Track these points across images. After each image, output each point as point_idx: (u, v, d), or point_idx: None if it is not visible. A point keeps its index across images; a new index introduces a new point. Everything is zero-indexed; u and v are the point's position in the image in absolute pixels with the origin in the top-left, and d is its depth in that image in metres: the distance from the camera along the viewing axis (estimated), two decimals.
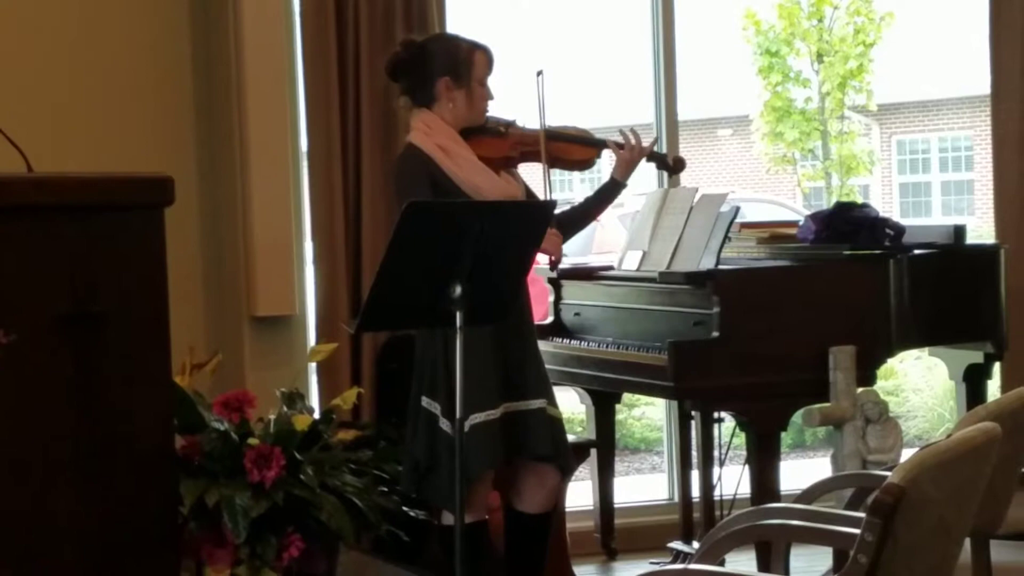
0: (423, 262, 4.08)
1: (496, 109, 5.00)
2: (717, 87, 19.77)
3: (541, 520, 4.97)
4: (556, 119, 5.06)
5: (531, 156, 4.97)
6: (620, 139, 5.12)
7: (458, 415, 4.16)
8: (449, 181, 4.75)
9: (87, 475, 3.96)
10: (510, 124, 4.99)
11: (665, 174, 5.25)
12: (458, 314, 4.09)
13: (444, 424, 4.68)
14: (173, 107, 5.88)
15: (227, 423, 4.83)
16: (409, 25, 5.89)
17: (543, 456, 4.86)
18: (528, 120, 5.01)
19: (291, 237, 5.83)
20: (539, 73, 4.94)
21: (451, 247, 4.06)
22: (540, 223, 4.41)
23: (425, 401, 4.78)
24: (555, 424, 4.87)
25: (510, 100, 5.12)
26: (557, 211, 4.97)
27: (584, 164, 5.16)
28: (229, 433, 4.77)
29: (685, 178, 6.04)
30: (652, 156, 5.21)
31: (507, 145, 4.94)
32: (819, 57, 16.83)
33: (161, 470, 4.15)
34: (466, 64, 4.86)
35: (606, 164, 5.40)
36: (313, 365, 5.79)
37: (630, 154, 5.10)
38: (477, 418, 4.66)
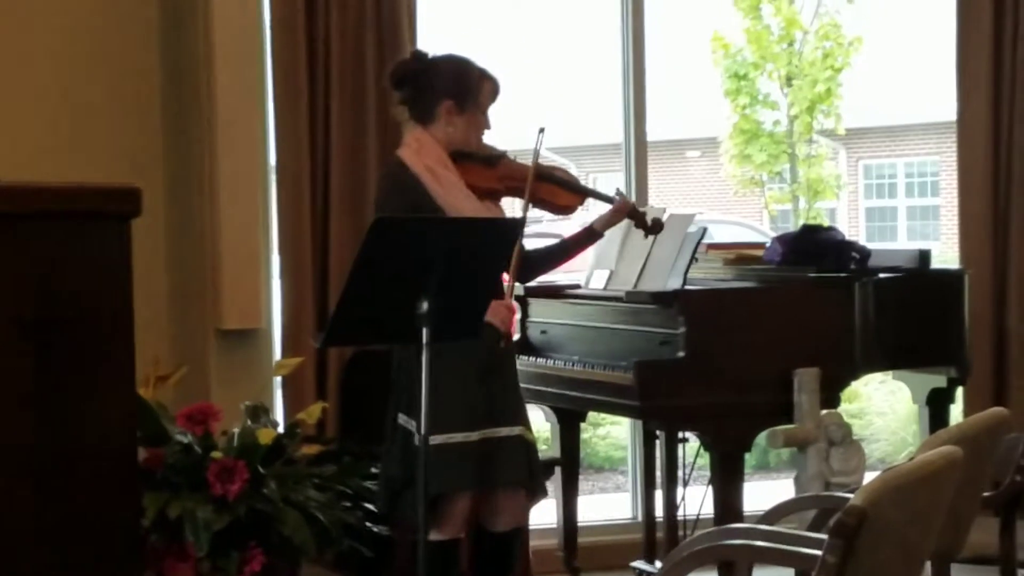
0: (390, 277, 4.07)
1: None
2: (686, 108, 19.83)
3: (508, 538, 4.97)
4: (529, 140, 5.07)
5: (516, 192, 4.95)
6: (609, 193, 5.15)
7: (422, 431, 4.15)
8: (432, 202, 4.72)
9: (48, 485, 3.94)
10: (502, 156, 4.97)
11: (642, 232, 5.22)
12: (424, 330, 4.08)
13: (418, 440, 4.68)
14: (142, 118, 5.87)
15: (191, 436, 4.82)
16: (380, 41, 5.90)
17: (514, 482, 4.86)
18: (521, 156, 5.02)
19: (258, 250, 5.82)
20: (541, 130, 4.91)
21: (418, 263, 4.06)
22: (507, 240, 4.42)
23: (402, 418, 4.77)
24: (531, 449, 4.88)
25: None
26: (529, 247, 5.01)
27: (567, 210, 5.16)
28: (192, 446, 4.76)
29: (653, 199, 6.06)
30: (632, 214, 5.20)
31: (495, 177, 4.92)
32: (788, 80, 16.90)
33: (123, 482, 4.12)
34: (474, 91, 4.84)
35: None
36: (278, 379, 5.78)
37: (621, 213, 5.10)
38: (455, 437, 4.66)
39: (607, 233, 5.27)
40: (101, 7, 5.81)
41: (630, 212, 5.13)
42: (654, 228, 5.18)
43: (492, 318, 4.63)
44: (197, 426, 4.85)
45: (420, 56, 4.93)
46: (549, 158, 5.17)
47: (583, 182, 5.26)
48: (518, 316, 5.94)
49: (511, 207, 5.12)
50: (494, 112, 4.94)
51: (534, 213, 4.96)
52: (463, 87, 4.83)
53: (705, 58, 17.05)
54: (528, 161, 4.91)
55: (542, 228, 8.72)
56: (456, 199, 4.74)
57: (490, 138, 5.00)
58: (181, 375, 5.24)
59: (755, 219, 19.27)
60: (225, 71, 5.77)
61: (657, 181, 5.39)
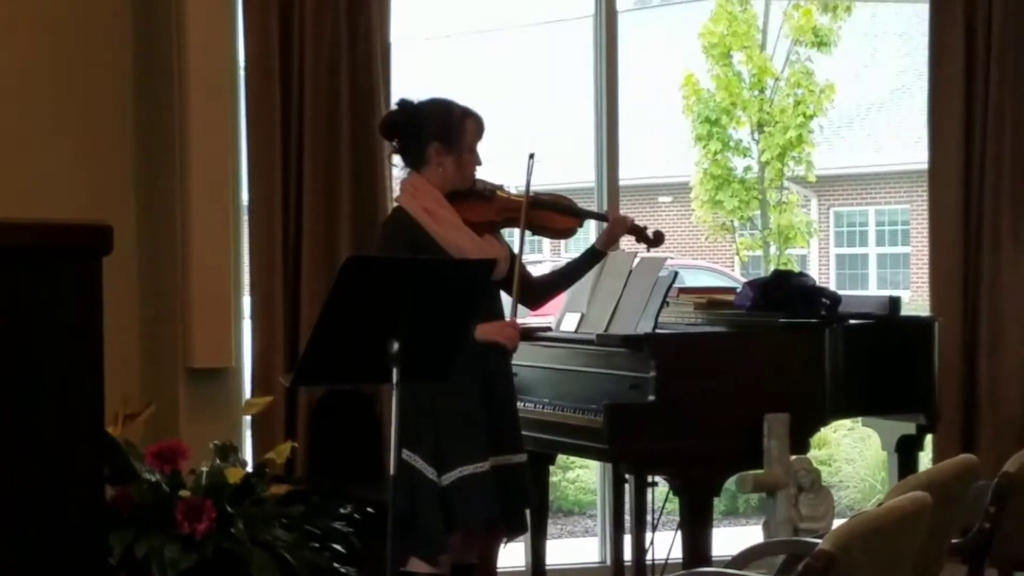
0: (361, 317, 4.07)
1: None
2: (659, 153, 19.91)
3: (469, 571, 4.98)
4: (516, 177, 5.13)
5: (513, 223, 5.07)
6: (603, 212, 5.24)
7: (392, 469, 4.15)
8: (433, 242, 4.82)
9: (13, 523, 3.91)
10: (497, 189, 5.07)
11: (644, 246, 5.33)
12: (395, 370, 4.08)
13: (430, 473, 4.71)
14: (114, 155, 5.87)
15: (159, 474, 4.80)
16: (354, 80, 5.91)
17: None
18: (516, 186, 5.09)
19: (229, 289, 5.82)
20: (531, 156, 5.00)
21: (390, 302, 4.06)
22: (478, 280, 4.42)
23: (406, 454, 4.79)
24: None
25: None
26: (537, 274, 5.11)
27: (565, 233, 5.28)
28: (160, 484, 4.74)
29: (624, 243, 6.08)
30: (633, 229, 5.28)
31: (492, 210, 5.01)
32: (759, 127, 16.97)
33: (90, 520, 4.10)
34: (457, 131, 4.93)
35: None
36: (248, 418, 5.76)
37: (620, 228, 5.18)
38: (466, 470, 4.71)
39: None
40: (74, 41, 5.81)
41: (630, 228, 5.20)
42: (656, 241, 5.26)
43: (499, 338, 4.82)
44: (165, 464, 4.83)
45: (404, 104, 5.02)
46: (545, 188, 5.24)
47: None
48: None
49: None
50: (481, 148, 5.00)
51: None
52: (447, 128, 4.91)
53: (678, 104, 17.12)
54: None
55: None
56: (456, 237, 4.83)
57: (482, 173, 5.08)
58: (150, 413, 5.22)
59: (726, 265, 19.33)
60: (198, 110, 5.78)
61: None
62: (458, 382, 4.49)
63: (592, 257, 5.25)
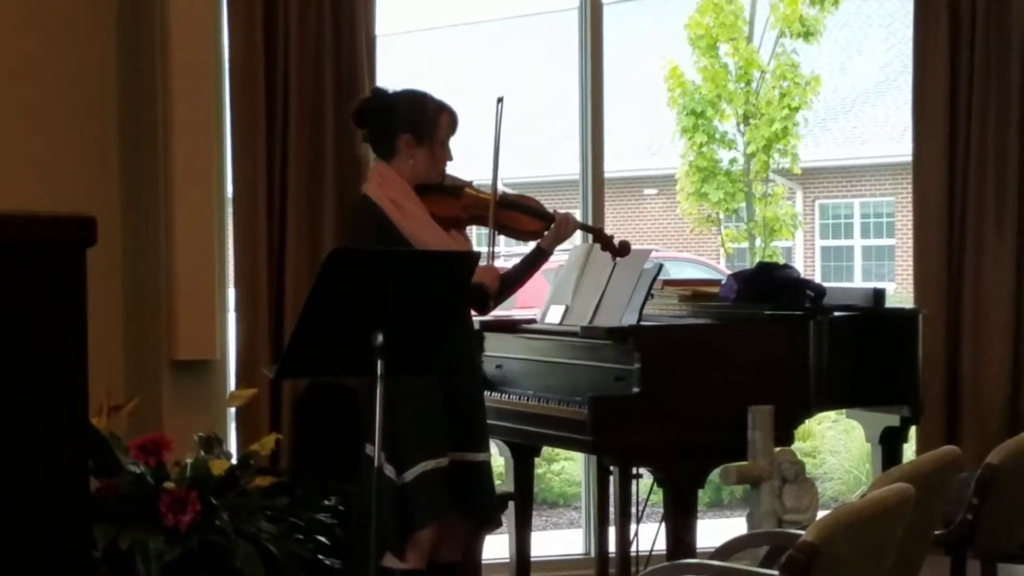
0: (345, 309, 4.08)
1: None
2: (644, 146, 19.93)
3: (451, 570, 4.98)
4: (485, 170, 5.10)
5: (480, 220, 5.02)
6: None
7: (375, 464, 4.15)
8: (399, 234, 4.77)
9: None
10: (465, 186, 5.02)
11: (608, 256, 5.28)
12: (379, 363, 4.08)
13: (388, 470, 4.68)
14: (98, 147, 5.85)
15: (143, 466, 4.80)
16: (338, 74, 5.90)
17: (479, 514, 4.90)
18: (484, 184, 5.04)
19: (213, 281, 5.81)
20: (499, 100, 4.96)
21: (374, 295, 4.06)
22: (463, 273, 4.42)
23: (368, 448, 4.77)
24: (491, 479, 4.98)
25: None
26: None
27: (531, 235, 5.21)
28: (145, 476, 4.74)
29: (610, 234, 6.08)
30: (599, 237, 5.24)
31: (459, 207, 4.97)
32: (745, 119, 16.98)
33: (74, 512, 4.09)
34: (430, 124, 4.89)
35: None
36: (232, 410, 5.76)
37: (564, 228, 5.12)
38: (428, 465, 4.69)
39: (566, 265, 5.31)
40: (58, 33, 5.80)
41: (576, 226, 5.14)
42: (622, 250, 5.21)
43: (482, 279, 4.74)
44: (150, 456, 4.83)
45: (379, 93, 4.99)
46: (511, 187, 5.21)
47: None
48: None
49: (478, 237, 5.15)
50: (456, 143, 4.97)
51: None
52: (420, 120, 4.88)
53: (663, 96, 17.14)
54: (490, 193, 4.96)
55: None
56: (421, 230, 4.78)
57: (454, 169, 5.05)
58: (134, 405, 5.22)
59: (711, 257, 19.35)
60: (182, 102, 5.77)
61: (614, 218, 5.40)
62: (419, 378, 4.46)
63: (537, 257, 5.15)
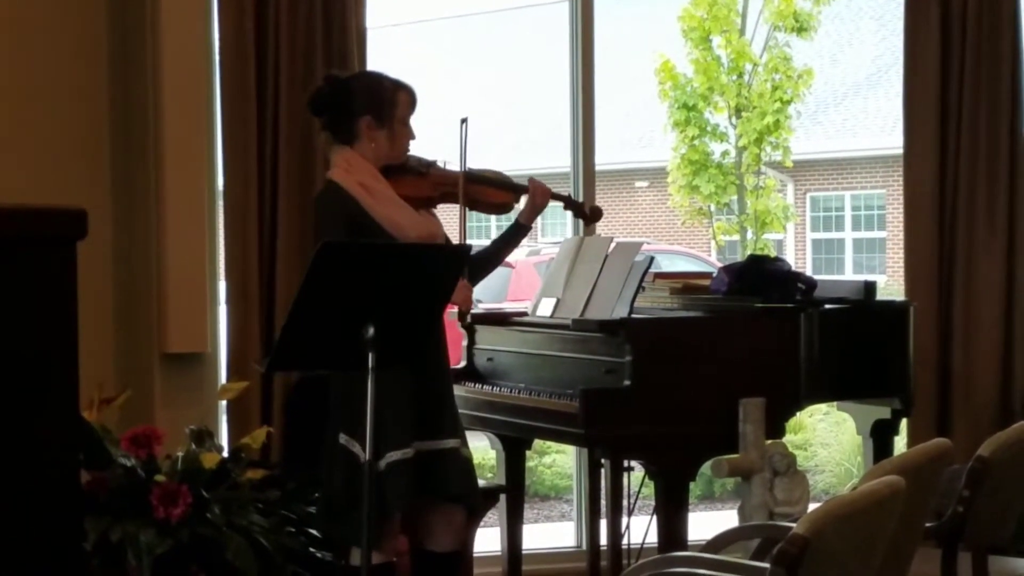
0: (336, 302, 4.07)
1: (417, 150, 5.02)
2: (635, 138, 19.93)
3: (450, 559, 4.97)
4: (476, 163, 5.10)
5: (450, 197, 4.99)
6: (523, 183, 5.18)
7: (368, 455, 4.14)
8: (369, 219, 4.75)
9: None
10: (431, 164, 5.02)
11: (581, 223, 5.30)
12: (370, 355, 4.07)
13: (347, 442, 4.69)
14: (89, 141, 5.84)
15: (134, 459, 4.79)
16: (329, 65, 5.89)
17: (455, 496, 4.87)
18: (451, 162, 5.04)
19: (204, 274, 5.81)
20: (463, 120, 4.96)
21: (364, 288, 4.05)
22: (454, 266, 4.42)
23: (343, 439, 4.75)
24: (467, 464, 4.91)
25: (431, 143, 5.14)
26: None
27: (502, 208, 5.21)
28: (136, 469, 4.74)
29: (601, 228, 6.08)
30: (569, 204, 5.26)
31: (427, 185, 4.96)
32: (737, 112, 16.98)
33: (65, 505, 4.09)
34: (389, 104, 4.86)
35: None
36: (223, 403, 5.76)
37: (541, 199, 5.13)
38: (394, 456, 4.67)
39: (557, 257, 5.31)
40: (48, 27, 5.79)
41: (550, 195, 5.14)
42: (593, 215, 5.22)
43: (455, 299, 4.73)
44: (141, 449, 4.83)
45: (333, 79, 4.97)
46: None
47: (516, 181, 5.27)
48: (465, 343, 5.94)
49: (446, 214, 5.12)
50: (417, 122, 4.96)
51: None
52: (378, 101, 4.85)
53: (655, 89, 17.13)
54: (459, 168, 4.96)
55: None
56: (392, 211, 4.77)
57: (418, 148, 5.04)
58: (125, 398, 5.22)
59: (703, 250, 19.36)
60: (173, 96, 5.76)
61: (605, 210, 5.39)
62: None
63: (516, 232, 5.14)
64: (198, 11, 5.83)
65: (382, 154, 4.87)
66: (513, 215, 5.21)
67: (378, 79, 4.94)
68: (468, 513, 5.03)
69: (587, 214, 5.30)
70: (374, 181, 4.81)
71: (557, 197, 5.27)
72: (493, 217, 6.79)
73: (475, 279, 5.11)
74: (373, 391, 4.08)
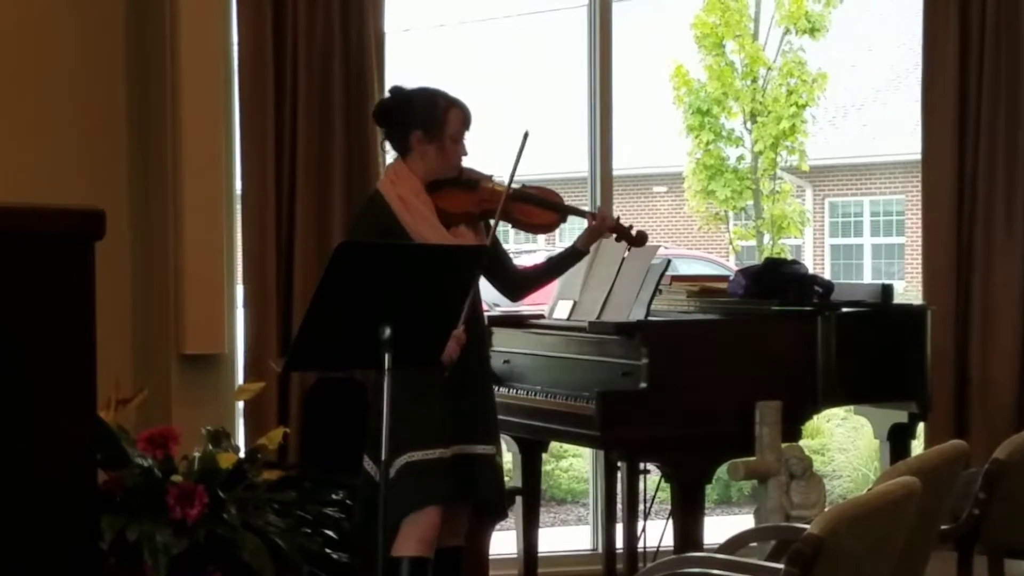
0: (353, 303, 4.07)
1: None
2: (653, 143, 19.92)
3: (453, 554, 4.99)
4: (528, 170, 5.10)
5: (492, 214, 5.00)
6: (588, 209, 5.21)
7: (383, 456, 4.14)
8: (403, 231, 4.80)
9: (3, 507, 3.91)
10: (482, 179, 5.02)
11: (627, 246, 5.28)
12: (387, 356, 4.08)
13: (367, 465, 4.71)
14: (108, 142, 5.86)
15: (151, 459, 4.80)
16: (347, 70, 5.91)
17: (483, 502, 4.92)
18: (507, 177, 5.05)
19: (222, 275, 5.82)
20: (525, 134, 4.95)
21: (381, 288, 4.06)
22: (469, 268, 4.42)
23: (367, 463, 4.84)
24: (499, 472, 4.96)
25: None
26: (521, 266, 5.08)
27: (545, 228, 5.22)
28: (152, 469, 4.75)
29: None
30: (623, 233, 5.25)
31: (471, 200, 4.97)
32: (752, 117, 16.96)
33: (82, 504, 4.10)
34: (440, 121, 4.91)
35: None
36: (240, 404, 5.76)
37: (600, 225, 5.15)
38: (416, 455, 4.69)
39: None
40: (67, 29, 5.80)
41: (613, 228, 5.17)
42: (639, 240, 5.23)
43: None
44: (157, 449, 4.84)
45: (395, 91, 5.04)
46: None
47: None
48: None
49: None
50: (470, 139, 4.99)
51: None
52: (430, 117, 4.91)
53: (670, 94, 17.13)
54: (517, 182, 4.96)
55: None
56: (422, 228, 4.81)
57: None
58: (143, 398, 5.23)
59: (720, 255, 19.35)
60: (191, 98, 5.77)
61: (623, 215, 5.37)
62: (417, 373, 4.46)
63: (573, 256, 5.19)
64: (216, 13, 5.85)
65: (431, 169, 4.92)
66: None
67: (433, 96, 4.98)
68: (491, 518, 5.04)
69: (635, 238, 5.27)
70: (413, 197, 4.86)
71: (617, 228, 5.25)
72: None
73: (519, 294, 5.17)
74: (388, 390, 4.09)
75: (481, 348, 4.99)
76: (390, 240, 4.69)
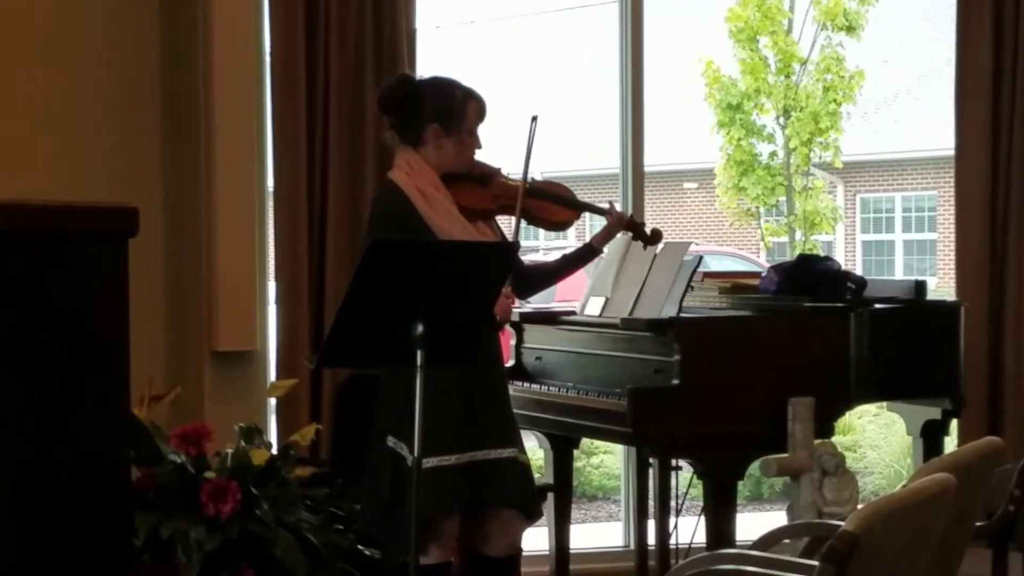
0: (385, 300, 4.07)
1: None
2: (684, 139, 19.89)
3: (505, 564, 4.97)
4: (536, 163, 5.06)
5: (509, 210, 4.96)
6: (603, 206, 5.18)
7: (416, 454, 4.14)
8: (423, 225, 4.73)
9: (39, 505, 3.92)
10: (494, 174, 4.98)
11: (641, 245, 5.28)
12: (419, 353, 4.08)
13: (409, 460, 4.69)
14: (141, 139, 5.88)
15: (184, 456, 4.81)
16: (379, 67, 5.91)
17: (511, 503, 4.87)
18: (515, 172, 5.01)
19: (254, 272, 5.83)
20: (533, 119, 4.92)
21: (413, 285, 4.06)
22: (503, 264, 4.42)
23: (391, 441, 4.77)
24: (525, 472, 4.89)
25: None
26: (528, 263, 5.04)
27: (561, 225, 5.20)
28: (186, 466, 4.76)
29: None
30: (636, 230, 5.24)
31: (487, 196, 4.93)
32: (785, 113, 16.92)
33: (116, 501, 4.11)
34: (458, 113, 4.84)
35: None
36: (272, 401, 5.78)
37: (616, 226, 5.13)
38: (447, 460, 4.67)
39: (605, 257, 5.31)
40: (101, 28, 5.82)
41: (628, 225, 5.15)
42: (653, 239, 5.21)
43: (496, 311, 4.66)
44: (191, 446, 4.85)
45: (405, 80, 4.95)
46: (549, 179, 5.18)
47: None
48: (513, 342, 5.94)
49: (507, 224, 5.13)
50: (484, 131, 4.95)
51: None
52: (448, 109, 4.84)
53: (702, 89, 17.09)
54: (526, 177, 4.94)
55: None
56: (446, 223, 4.75)
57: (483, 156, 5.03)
58: (176, 395, 5.24)
59: (751, 251, 19.31)
60: (224, 96, 5.79)
61: (654, 211, 5.39)
62: (441, 371, 4.43)
63: (587, 253, 5.17)
64: (248, 10, 5.86)
65: (446, 161, 4.86)
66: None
67: (450, 87, 4.89)
68: (526, 518, 5.01)
69: (648, 236, 5.26)
70: (433, 189, 4.80)
71: (632, 225, 5.25)
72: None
73: (529, 291, 5.13)
74: (422, 389, 4.09)
75: (495, 348, 4.94)
76: (412, 235, 4.66)
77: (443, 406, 4.61)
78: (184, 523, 4.57)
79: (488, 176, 4.96)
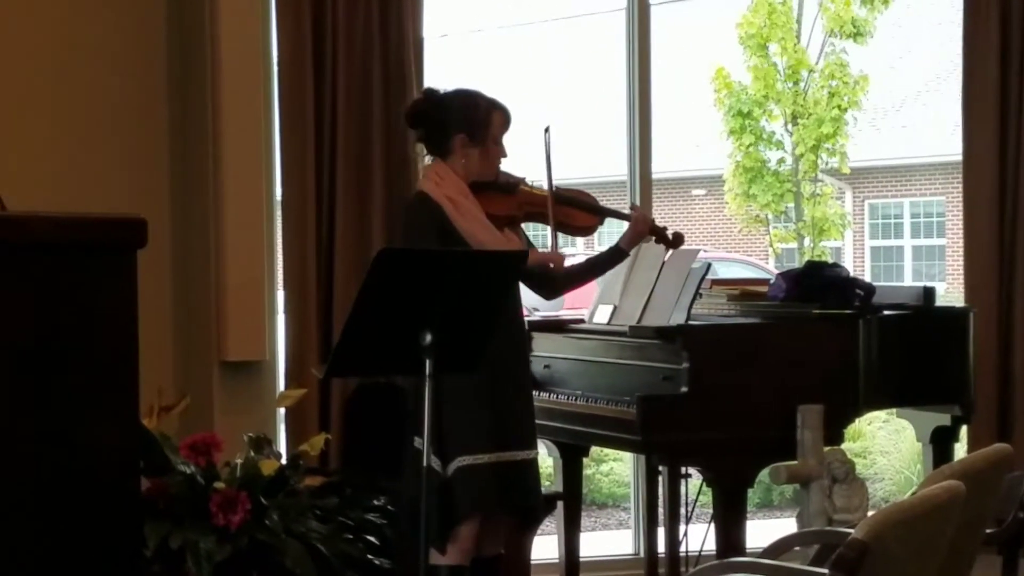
0: (394, 308, 4.08)
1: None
2: (692, 146, 19.89)
3: (493, 563, 4.98)
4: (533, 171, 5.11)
5: (535, 217, 5.03)
6: (627, 211, 5.20)
7: (424, 461, 4.15)
8: (456, 233, 4.80)
9: (49, 515, 3.92)
10: (519, 182, 5.04)
11: (663, 247, 5.31)
12: (428, 362, 4.08)
13: (435, 463, 4.70)
14: (149, 150, 5.89)
15: (194, 466, 4.82)
16: (386, 76, 5.92)
17: (533, 507, 4.94)
18: (538, 180, 5.05)
19: (263, 282, 5.83)
20: (546, 130, 4.97)
21: (422, 294, 4.06)
22: (510, 273, 4.43)
23: (417, 442, 4.79)
24: (539, 474, 4.98)
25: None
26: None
27: (587, 231, 5.24)
28: (195, 476, 4.76)
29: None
30: (659, 234, 5.27)
31: (514, 204, 4.99)
32: (794, 119, 16.92)
33: (125, 512, 4.11)
34: (483, 124, 4.91)
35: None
36: (281, 411, 5.78)
37: (642, 226, 5.16)
38: (465, 460, 4.70)
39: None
40: (109, 37, 5.84)
41: (651, 228, 5.19)
42: (676, 241, 5.24)
43: (547, 260, 4.88)
44: (200, 456, 4.86)
45: (430, 94, 5.02)
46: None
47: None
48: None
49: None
50: (508, 141, 4.99)
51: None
52: (473, 120, 4.90)
53: (710, 96, 17.10)
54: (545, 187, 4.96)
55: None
56: (477, 230, 4.81)
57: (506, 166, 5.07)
58: (185, 406, 5.24)
59: (760, 258, 19.30)
60: (232, 105, 5.79)
61: (662, 218, 5.39)
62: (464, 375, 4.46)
63: (615, 255, 5.21)
64: (256, 20, 5.86)
65: (474, 171, 4.92)
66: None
67: (474, 98, 4.97)
68: (528, 521, 5.04)
69: (671, 240, 5.28)
70: (462, 197, 4.86)
71: (654, 229, 5.27)
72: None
73: (559, 291, 5.17)
74: (431, 396, 4.09)
75: (522, 351, 4.99)
76: (447, 244, 4.71)
77: (470, 404, 4.68)
78: (194, 533, 4.58)
79: (513, 185, 5.02)
